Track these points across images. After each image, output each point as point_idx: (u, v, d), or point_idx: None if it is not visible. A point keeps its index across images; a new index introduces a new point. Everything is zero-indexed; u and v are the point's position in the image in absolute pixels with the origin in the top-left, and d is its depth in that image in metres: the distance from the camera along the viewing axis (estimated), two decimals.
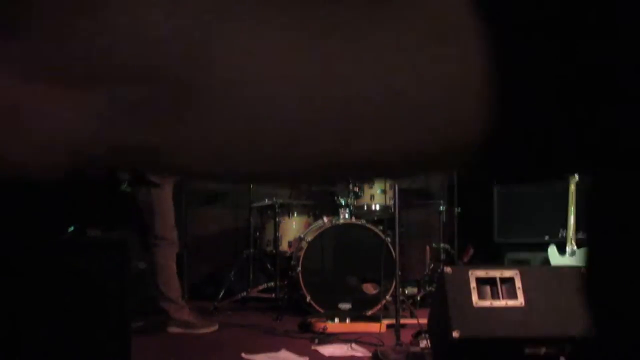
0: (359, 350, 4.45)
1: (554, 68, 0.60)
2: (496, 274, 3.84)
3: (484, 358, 3.72)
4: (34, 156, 0.64)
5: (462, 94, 0.61)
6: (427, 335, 4.19)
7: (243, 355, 4.33)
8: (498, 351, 3.71)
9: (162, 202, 5.07)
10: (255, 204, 6.26)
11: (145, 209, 5.06)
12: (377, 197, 5.67)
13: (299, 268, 5.46)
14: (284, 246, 6.04)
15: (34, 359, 3.30)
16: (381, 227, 5.58)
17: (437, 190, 6.60)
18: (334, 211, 5.82)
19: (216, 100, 0.64)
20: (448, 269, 3.85)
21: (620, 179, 0.62)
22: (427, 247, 6.42)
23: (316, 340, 4.66)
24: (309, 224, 6.03)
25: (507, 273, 3.85)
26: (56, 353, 3.30)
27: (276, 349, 4.48)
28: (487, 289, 3.81)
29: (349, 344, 4.55)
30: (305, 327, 4.99)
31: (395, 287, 4.81)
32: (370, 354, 4.34)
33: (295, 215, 6.17)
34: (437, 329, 3.92)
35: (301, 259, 5.49)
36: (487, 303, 3.75)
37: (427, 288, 5.88)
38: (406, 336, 4.45)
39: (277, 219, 5.91)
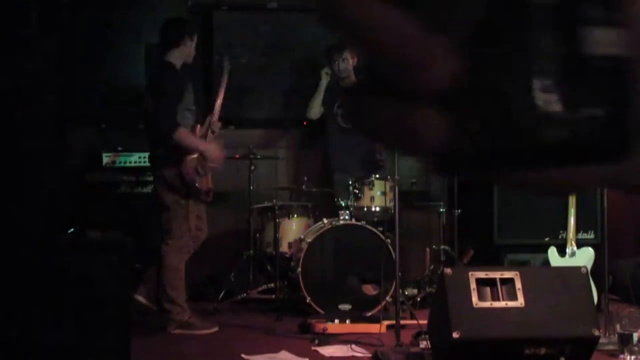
0: (359, 351, 4.45)
1: None
2: (496, 275, 3.84)
3: (484, 359, 3.72)
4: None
5: None
6: (427, 336, 4.19)
7: (243, 356, 4.33)
8: (498, 352, 3.71)
9: (184, 208, 5.10)
10: (255, 205, 6.26)
11: (164, 208, 5.08)
12: (377, 198, 5.67)
13: (299, 269, 5.46)
14: (284, 247, 6.04)
15: (34, 359, 3.30)
16: (381, 229, 5.58)
17: (437, 192, 6.60)
18: (334, 213, 5.82)
19: None
20: (448, 270, 3.85)
21: None
22: (427, 249, 6.42)
23: (316, 341, 4.66)
24: (309, 226, 6.03)
25: (507, 274, 3.85)
26: (56, 353, 3.30)
27: (276, 350, 4.48)
28: (487, 290, 3.81)
29: (349, 345, 4.55)
30: (306, 328, 4.99)
31: (395, 288, 4.81)
32: (370, 355, 4.34)
33: (295, 216, 6.17)
34: (437, 329, 3.92)
35: (301, 260, 5.49)
36: (487, 304, 3.75)
37: (427, 289, 5.88)
38: (406, 337, 4.45)
39: (277, 220, 5.90)
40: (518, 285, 3.80)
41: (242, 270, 6.14)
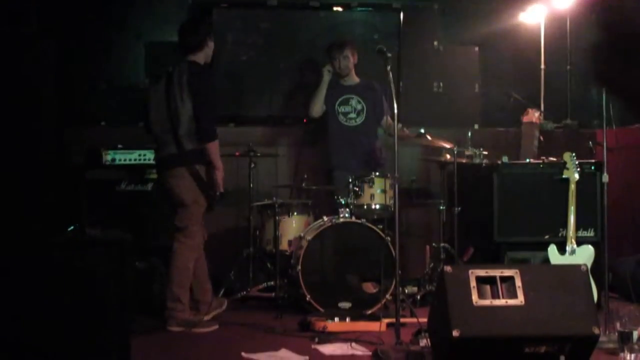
0: (359, 349, 4.45)
1: None
2: (496, 273, 3.84)
3: (483, 357, 3.72)
4: None
5: None
6: (427, 334, 4.20)
7: (243, 354, 4.33)
8: (498, 350, 3.71)
9: (202, 207, 5.19)
10: (255, 203, 6.26)
11: (180, 206, 5.14)
12: (377, 196, 5.67)
13: (299, 267, 5.46)
14: (284, 245, 6.04)
15: (34, 359, 3.30)
16: (381, 227, 5.58)
17: (437, 190, 6.59)
18: (334, 210, 5.81)
19: None
20: (448, 268, 3.85)
21: None
22: (427, 247, 6.42)
23: (316, 339, 4.67)
24: (309, 223, 6.03)
25: (507, 272, 3.85)
26: (56, 353, 3.30)
27: (276, 348, 4.48)
28: (487, 288, 3.81)
29: (349, 343, 4.56)
30: (305, 326, 5.00)
31: (395, 286, 4.81)
32: (370, 353, 4.34)
33: (295, 214, 6.17)
34: (437, 328, 3.92)
35: (301, 258, 5.49)
36: (487, 302, 3.75)
37: (427, 287, 5.88)
38: (406, 335, 4.46)
39: (277, 218, 5.90)
40: (518, 283, 3.80)
41: (242, 268, 6.14)
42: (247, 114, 6.97)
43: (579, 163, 5.67)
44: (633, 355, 3.97)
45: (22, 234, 5.07)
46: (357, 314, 5.19)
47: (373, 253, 5.46)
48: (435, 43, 7.14)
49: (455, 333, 3.63)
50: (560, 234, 5.65)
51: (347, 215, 5.67)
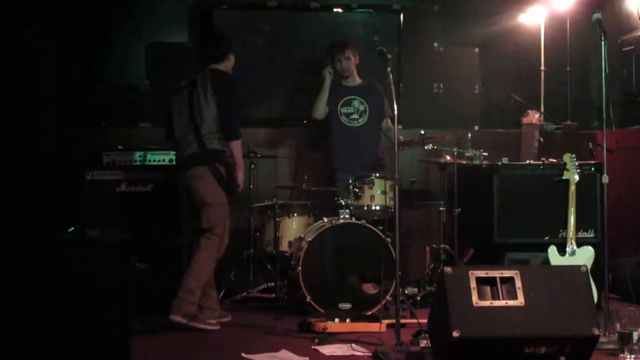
0: (359, 350, 4.45)
1: None
2: (496, 274, 3.84)
3: (484, 357, 3.72)
4: None
5: None
6: (427, 335, 4.19)
7: (243, 355, 4.33)
8: (498, 351, 3.71)
9: (226, 206, 5.30)
10: (255, 204, 6.26)
11: (203, 205, 5.22)
12: (377, 197, 5.67)
13: (299, 268, 5.46)
14: (284, 246, 6.04)
15: (34, 358, 3.30)
16: (381, 228, 5.58)
17: (437, 191, 6.60)
18: (334, 211, 5.81)
19: None
20: (448, 269, 3.85)
21: None
22: (427, 248, 6.42)
23: (316, 340, 4.67)
24: (309, 224, 6.03)
25: (507, 273, 3.84)
26: (56, 353, 3.30)
27: (276, 348, 4.48)
28: (487, 289, 3.80)
29: (349, 344, 4.55)
30: (306, 327, 4.99)
31: (395, 287, 4.81)
32: (370, 354, 4.34)
33: (296, 215, 6.17)
34: (437, 328, 3.92)
35: (301, 259, 5.49)
36: (487, 303, 3.75)
37: (427, 288, 5.88)
38: (406, 336, 4.45)
39: (277, 219, 5.91)
40: (518, 284, 3.79)
41: (242, 269, 6.15)
42: (247, 115, 6.97)
43: (579, 164, 5.68)
44: (633, 356, 3.97)
45: (22, 234, 5.07)
46: (357, 315, 5.19)
47: (373, 254, 5.45)
48: (436, 44, 7.15)
49: (455, 334, 3.63)
50: (560, 235, 5.65)
51: (347, 216, 5.66)
